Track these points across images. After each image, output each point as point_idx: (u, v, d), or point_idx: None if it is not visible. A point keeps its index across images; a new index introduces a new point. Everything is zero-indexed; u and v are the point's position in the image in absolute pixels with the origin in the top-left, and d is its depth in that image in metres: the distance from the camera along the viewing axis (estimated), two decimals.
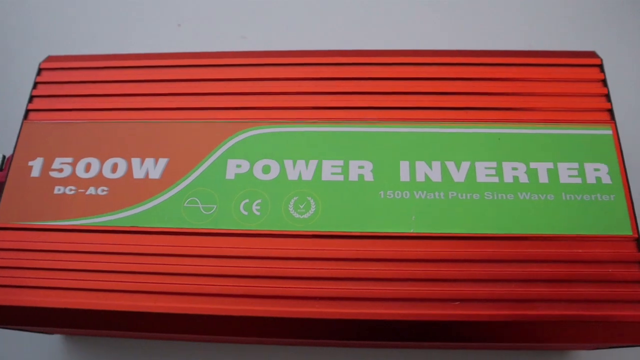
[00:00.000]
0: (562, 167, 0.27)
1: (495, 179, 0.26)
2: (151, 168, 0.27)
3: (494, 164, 0.27)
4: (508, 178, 0.26)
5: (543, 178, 0.26)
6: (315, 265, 0.25)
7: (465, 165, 0.27)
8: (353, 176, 0.27)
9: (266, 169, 0.27)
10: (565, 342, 0.25)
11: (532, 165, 0.27)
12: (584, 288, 0.24)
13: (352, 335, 0.25)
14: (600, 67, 0.29)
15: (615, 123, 0.27)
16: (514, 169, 0.27)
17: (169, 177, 0.27)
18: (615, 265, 0.25)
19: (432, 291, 0.24)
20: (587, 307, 0.24)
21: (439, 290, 0.24)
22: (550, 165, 0.27)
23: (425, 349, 0.30)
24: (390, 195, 0.26)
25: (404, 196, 0.26)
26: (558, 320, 0.24)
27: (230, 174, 0.27)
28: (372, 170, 0.27)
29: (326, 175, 0.27)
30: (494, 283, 0.25)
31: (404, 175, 0.26)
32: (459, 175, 0.26)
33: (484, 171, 0.26)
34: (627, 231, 0.25)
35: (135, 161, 0.28)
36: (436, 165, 0.27)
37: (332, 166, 0.27)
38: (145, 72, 0.29)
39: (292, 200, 0.26)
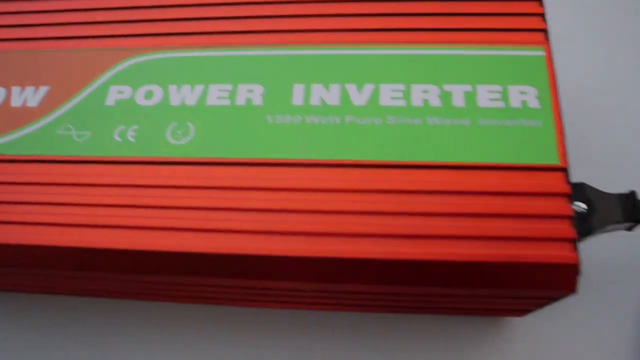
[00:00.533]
0: (482, 89, 0.23)
1: (402, 102, 0.23)
2: (30, 96, 0.25)
3: (401, 87, 0.23)
4: (417, 101, 0.23)
5: (458, 102, 0.23)
6: (190, 194, 0.22)
7: (369, 87, 0.23)
8: (240, 100, 0.23)
9: (148, 95, 0.24)
10: (481, 287, 0.20)
11: (446, 87, 0.23)
12: (501, 223, 0.20)
13: (232, 271, 0.21)
14: None
15: (549, 44, 0.23)
16: (425, 91, 0.23)
17: (47, 105, 0.25)
18: (538, 197, 0.21)
19: (321, 224, 0.21)
20: (505, 245, 0.20)
21: (329, 222, 0.21)
22: (468, 87, 0.23)
23: (329, 311, 0.26)
24: (279, 120, 0.23)
25: (295, 121, 0.23)
26: (471, 260, 0.20)
27: (110, 101, 0.24)
28: (262, 94, 0.23)
29: (211, 100, 0.24)
30: (394, 216, 0.21)
31: (297, 99, 0.23)
32: (359, 98, 0.23)
33: (389, 94, 0.23)
34: (554, 160, 0.21)
35: (15, 89, 0.25)
36: (335, 87, 0.23)
37: (219, 90, 0.24)
38: (28, 3, 0.27)
39: (170, 126, 0.23)
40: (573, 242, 0.20)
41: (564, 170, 0.21)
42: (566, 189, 0.21)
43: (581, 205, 0.23)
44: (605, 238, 0.23)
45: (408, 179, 0.21)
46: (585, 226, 0.22)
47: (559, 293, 0.20)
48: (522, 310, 0.25)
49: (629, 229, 0.23)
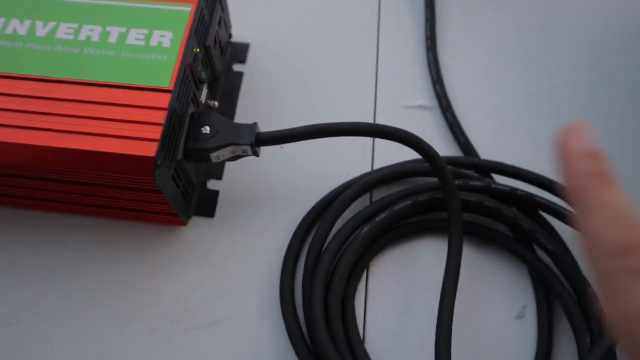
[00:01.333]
0: (134, 32, 0.30)
1: (70, 37, 0.29)
2: None
3: (74, 25, 0.30)
4: (82, 36, 0.29)
5: (112, 38, 0.29)
6: None
7: (51, 24, 0.30)
8: None
9: None
10: (96, 170, 0.27)
11: (108, 28, 0.30)
12: (115, 125, 0.27)
13: None
14: None
15: (197, 3, 0.30)
16: (91, 30, 0.30)
17: None
18: (145, 109, 0.27)
19: None
20: (112, 140, 0.26)
21: None
22: (123, 29, 0.30)
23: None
24: None
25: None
26: (87, 149, 0.26)
27: None
28: None
29: None
30: (45, 115, 0.27)
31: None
32: (42, 32, 0.30)
33: (63, 30, 0.30)
34: (165, 85, 0.28)
35: None
36: (27, 22, 0.30)
37: None
38: None
39: None
40: (157, 142, 0.26)
41: (170, 92, 0.28)
42: (165, 104, 0.27)
43: (206, 127, 0.30)
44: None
45: (64, 90, 0.28)
46: (209, 141, 0.29)
47: (144, 175, 0.26)
48: (169, 215, 0.31)
49: (255, 154, 0.30)
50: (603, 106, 0.37)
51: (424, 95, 0.37)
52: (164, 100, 0.28)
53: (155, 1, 0.30)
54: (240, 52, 0.38)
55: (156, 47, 0.29)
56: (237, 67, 0.38)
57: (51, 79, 0.28)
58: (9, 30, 0.30)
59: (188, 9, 0.30)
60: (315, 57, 0.39)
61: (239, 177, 0.34)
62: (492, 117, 0.37)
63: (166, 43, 0.29)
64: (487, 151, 0.35)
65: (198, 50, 0.31)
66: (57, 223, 0.33)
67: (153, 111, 0.27)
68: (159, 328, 0.30)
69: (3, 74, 0.28)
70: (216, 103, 0.34)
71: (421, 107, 0.37)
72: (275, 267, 0.32)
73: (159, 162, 0.26)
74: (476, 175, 0.33)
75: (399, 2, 0.41)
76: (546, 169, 0.32)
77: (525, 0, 0.41)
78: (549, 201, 0.32)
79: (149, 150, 0.26)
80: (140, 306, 0.31)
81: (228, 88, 0.37)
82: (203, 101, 0.33)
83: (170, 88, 0.28)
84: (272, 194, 0.34)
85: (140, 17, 0.30)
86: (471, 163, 0.34)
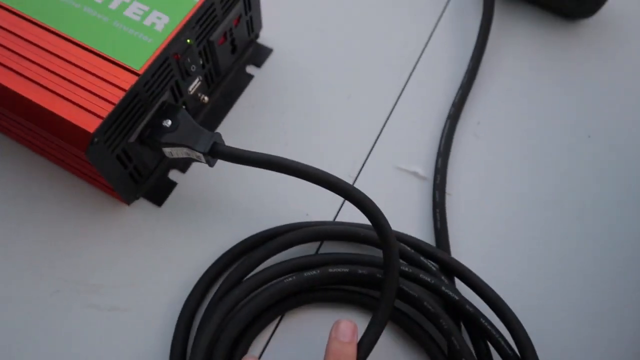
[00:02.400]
0: (135, 4, 0.29)
1: None
2: None
3: None
4: None
5: (113, 5, 0.29)
6: None
7: None
8: None
9: None
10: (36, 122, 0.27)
11: None
12: (71, 88, 0.27)
13: None
14: None
15: None
16: None
17: None
18: (107, 83, 0.27)
19: None
20: (62, 101, 0.26)
21: None
22: (127, 0, 0.29)
23: None
24: None
25: None
26: (35, 100, 0.26)
27: None
28: None
29: None
30: (24, 60, 0.28)
31: None
32: None
33: None
34: (137, 67, 0.27)
35: None
36: None
37: None
38: None
39: None
40: (101, 119, 0.26)
41: (137, 75, 0.27)
42: (127, 86, 0.27)
43: (168, 121, 0.29)
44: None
45: (43, 37, 0.28)
46: (165, 135, 0.28)
47: (79, 147, 0.26)
48: (110, 189, 0.31)
49: (209, 163, 0.29)
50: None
51: (423, 164, 0.34)
52: (128, 81, 0.27)
53: None
54: (260, 55, 0.37)
55: (147, 27, 0.28)
56: (250, 69, 0.37)
57: (38, 22, 0.28)
58: None
59: None
60: (331, 83, 0.36)
61: (203, 177, 0.33)
62: (488, 219, 0.33)
63: (159, 26, 0.28)
64: (465, 256, 0.31)
65: (191, 42, 0.29)
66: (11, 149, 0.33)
67: (113, 88, 0.27)
68: (62, 291, 0.30)
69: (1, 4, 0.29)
70: (206, 98, 0.33)
71: (415, 174, 0.34)
72: (194, 278, 0.30)
73: (96, 140, 0.26)
74: (434, 269, 0.30)
75: (442, 58, 0.38)
76: (523, 301, 0.29)
77: (573, 103, 0.37)
78: (497, 332, 0.28)
79: (90, 124, 0.26)
80: (54, 263, 0.31)
81: (232, 87, 0.36)
82: (191, 93, 0.32)
83: (140, 72, 0.27)
84: (225, 206, 0.33)
85: None
86: (433, 254, 0.30)
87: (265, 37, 0.38)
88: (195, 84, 0.32)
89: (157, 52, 0.28)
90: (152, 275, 0.31)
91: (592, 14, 0.39)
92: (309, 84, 0.36)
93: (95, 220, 0.32)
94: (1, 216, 0.32)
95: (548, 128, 0.36)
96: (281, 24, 0.38)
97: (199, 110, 0.34)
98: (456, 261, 0.30)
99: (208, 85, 0.34)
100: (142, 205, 0.32)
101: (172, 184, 0.33)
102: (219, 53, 0.33)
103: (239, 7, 0.33)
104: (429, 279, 0.29)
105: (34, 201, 0.32)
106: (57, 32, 0.28)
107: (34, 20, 0.28)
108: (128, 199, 0.32)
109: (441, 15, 0.40)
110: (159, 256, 0.31)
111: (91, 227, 0.32)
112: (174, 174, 0.33)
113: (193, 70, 0.31)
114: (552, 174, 0.34)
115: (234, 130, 0.34)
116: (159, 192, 0.33)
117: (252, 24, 0.36)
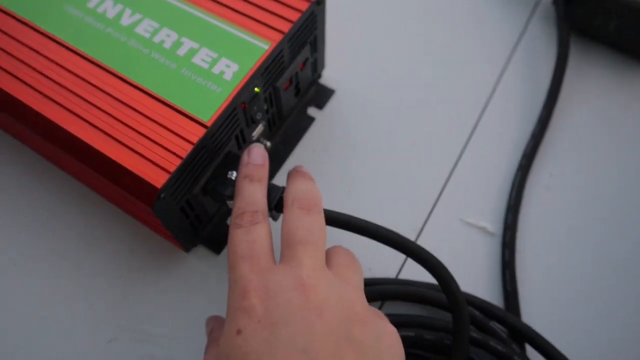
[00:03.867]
0: (204, 51, 0.28)
1: (147, 35, 0.29)
2: None
3: (156, 25, 0.29)
4: (157, 38, 0.29)
5: (181, 51, 0.28)
6: None
7: (137, 15, 0.30)
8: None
9: None
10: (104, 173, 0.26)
11: (183, 39, 0.29)
12: (140, 139, 0.26)
13: None
14: (313, 2, 0.30)
15: (278, 43, 0.28)
16: (167, 35, 0.29)
17: None
18: (175, 135, 0.26)
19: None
20: (130, 153, 0.26)
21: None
22: (196, 45, 0.29)
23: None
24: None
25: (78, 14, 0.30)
26: (104, 152, 0.26)
27: None
28: None
29: None
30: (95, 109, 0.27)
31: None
32: (127, 20, 0.29)
33: (144, 26, 0.29)
34: (206, 118, 0.26)
35: None
36: (119, 7, 0.30)
37: None
38: None
39: None
40: (169, 174, 0.25)
41: (206, 127, 0.26)
42: (195, 139, 0.26)
43: (233, 173, 0.28)
44: None
45: (113, 84, 0.27)
46: (229, 188, 0.27)
47: (144, 202, 0.25)
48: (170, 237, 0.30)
49: (272, 217, 0.28)
50: None
51: (492, 218, 0.32)
52: (197, 133, 0.26)
53: (242, 27, 0.29)
54: (322, 96, 0.36)
55: (216, 76, 0.28)
56: (312, 111, 0.36)
57: (109, 69, 0.28)
58: (100, 9, 0.30)
59: (265, 47, 0.28)
60: (395, 127, 0.35)
61: None
62: (561, 280, 0.31)
63: (228, 75, 0.28)
64: (537, 320, 0.29)
65: (258, 90, 0.29)
66: (79, 190, 0.33)
67: (181, 141, 0.26)
68: (119, 339, 0.30)
69: (73, 49, 0.29)
70: (269, 143, 0.32)
71: (482, 229, 0.32)
72: None
73: (162, 195, 0.25)
74: (504, 335, 0.28)
75: (512, 103, 0.36)
76: None
77: None
78: None
79: (158, 179, 0.25)
80: (110, 309, 0.30)
81: (293, 130, 0.35)
82: (254, 138, 0.31)
83: (208, 124, 0.26)
84: None
85: (218, 37, 0.29)
86: (505, 320, 0.29)
87: (327, 76, 0.37)
88: (258, 130, 0.31)
89: (226, 103, 0.27)
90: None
91: None
92: (371, 128, 0.35)
93: (153, 266, 0.31)
94: (61, 256, 0.31)
95: (625, 183, 0.34)
96: (344, 64, 0.37)
97: None
98: (527, 326, 0.29)
99: (270, 129, 0.33)
100: (201, 253, 0.32)
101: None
102: (283, 98, 0.32)
103: (305, 51, 0.32)
104: (499, 347, 0.27)
105: (93, 243, 0.32)
106: (126, 79, 0.28)
107: (104, 65, 0.28)
108: (187, 247, 0.31)
109: (511, 56, 0.38)
110: (216, 307, 0.30)
111: (149, 274, 0.31)
112: None
113: (259, 117, 0.30)
114: (629, 232, 0.32)
115: None
116: (218, 240, 0.32)
117: (317, 65, 0.35)
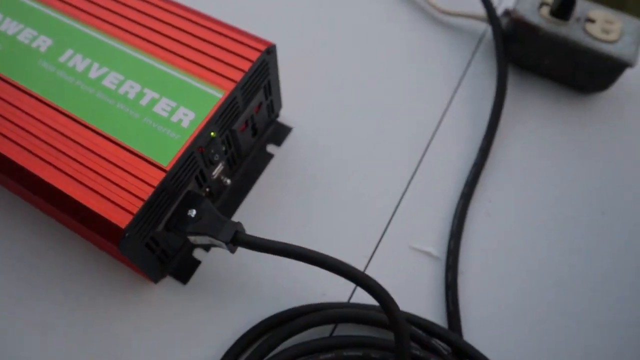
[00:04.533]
0: (164, 101, 0.31)
1: (113, 87, 0.32)
2: None
3: (121, 77, 0.32)
4: (122, 90, 0.32)
5: (144, 101, 0.31)
6: None
7: (103, 69, 0.33)
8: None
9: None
10: (70, 214, 0.29)
11: (146, 90, 0.32)
12: (102, 182, 0.29)
13: None
14: (263, 52, 0.33)
15: (230, 92, 0.31)
16: (132, 87, 0.32)
17: None
18: (136, 179, 0.29)
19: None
20: (94, 195, 0.28)
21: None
22: (157, 95, 0.31)
23: None
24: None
25: (50, 68, 0.33)
26: (69, 193, 0.29)
27: None
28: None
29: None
30: (58, 153, 0.30)
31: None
32: (95, 73, 0.32)
33: (111, 79, 0.32)
34: (165, 163, 0.29)
35: None
36: (87, 61, 0.33)
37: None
38: None
39: None
40: (132, 215, 0.28)
41: (165, 172, 0.29)
42: (155, 182, 0.29)
43: (193, 211, 0.31)
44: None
45: (81, 133, 0.30)
46: (190, 225, 0.30)
47: (111, 241, 0.28)
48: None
49: (231, 251, 0.31)
50: None
51: (437, 243, 0.35)
52: (157, 177, 0.29)
53: (198, 77, 0.32)
54: (280, 134, 0.39)
55: (175, 124, 0.30)
56: (270, 148, 0.39)
57: (78, 119, 0.31)
58: (70, 64, 0.33)
59: (219, 96, 0.31)
60: (348, 161, 0.38)
61: (225, 257, 0.35)
62: (501, 299, 0.34)
63: (185, 123, 0.30)
64: (478, 338, 0.32)
65: (214, 135, 0.31)
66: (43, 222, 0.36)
67: (143, 184, 0.29)
68: None
69: (46, 101, 0.31)
70: (229, 181, 0.35)
71: (428, 254, 0.35)
72: (216, 356, 0.32)
73: (127, 234, 0.28)
74: (446, 352, 0.31)
75: (456, 134, 0.39)
76: None
77: (586, 179, 0.38)
78: None
79: (122, 220, 0.28)
80: (79, 339, 0.32)
81: (253, 167, 0.38)
82: (215, 177, 0.34)
83: (167, 169, 0.29)
84: (246, 285, 0.34)
85: (177, 88, 0.32)
86: (446, 337, 0.31)
87: (285, 115, 0.40)
88: (218, 169, 0.34)
89: (183, 149, 0.30)
90: (176, 352, 0.32)
91: (605, 88, 0.40)
92: (326, 162, 0.38)
93: (122, 297, 0.34)
94: (29, 287, 0.34)
95: (561, 205, 0.37)
96: (301, 103, 0.40)
97: (222, 190, 0.36)
98: (468, 344, 0.31)
99: (230, 167, 0.36)
100: (169, 284, 0.34)
101: (197, 263, 0.35)
102: (240, 139, 0.35)
103: (260, 95, 0.35)
104: None
105: (62, 274, 0.34)
106: (94, 128, 0.30)
107: (73, 116, 0.31)
108: (155, 278, 0.34)
109: (456, 90, 0.41)
110: (183, 334, 0.33)
111: (117, 304, 0.33)
112: (198, 253, 0.35)
113: (216, 159, 0.33)
114: (566, 252, 0.35)
115: (254, 210, 0.36)
116: (184, 271, 0.35)
117: (273, 106, 0.38)
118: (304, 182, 0.37)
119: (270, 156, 0.38)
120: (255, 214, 0.36)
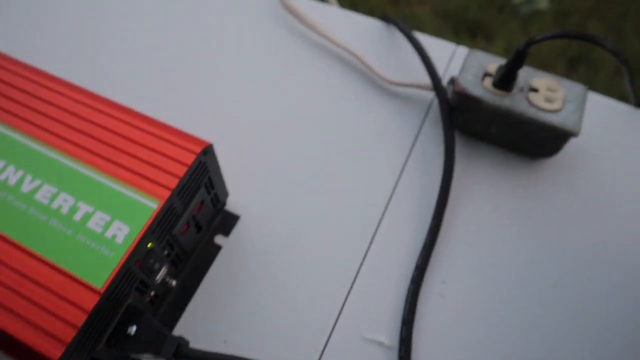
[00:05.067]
0: (98, 215, 0.31)
1: (46, 202, 0.31)
2: None
3: (55, 190, 0.31)
4: (55, 204, 0.31)
5: (77, 216, 0.31)
6: None
7: (36, 182, 0.32)
8: None
9: None
10: None
11: (79, 203, 0.31)
12: (30, 307, 0.28)
13: None
14: (199, 154, 0.32)
15: (166, 200, 0.31)
16: (65, 200, 0.31)
17: None
18: (69, 304, 0.28)
19: None
20: (22, 323, 0.27)
21: None
22: (90, 209, 0.31)
23: None
24: None
25: None
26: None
27: None
28: None
29: None
30: None
31: None
32: (27, 187, 0.32)
33: (43, 192, 0.31)
34: (99, 284, 0.29)
35: None
36: (20, 173, 0.32)
37: None
38: None
39: None
40: (65, 345, 0.27)
41: (99, 294, 0.28)
42: (89, 307, 0.28)
43: (133, 327, 0.30)
44: None
45: (13, 255, 0.29)
46: (129, 344, 0.29)
47: None
48: None
49: None
50: None
51: (390, 332, 0.35)
52: (91, 301, 0.28)
53: (132, 186, 0.31)
54: (228, 223, 0.38)
55: (109, 240, 0.30)
56: (218, 239, 0.38)
57: (8, 238, 0.30)
58: (2, 177, 0.32)
59: (154, 206, 0.31)
60: (298, 249, 0.38)
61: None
62: None
63: (119, 238, 0.30)
64: None
65: (151, 245, 0.31)
66: None
67: (76, 310, 0.28)
68: None
69: None
70: (174, 282, 0.34)
71: (380, 344, 0.34)
72: None
73: None
74: None
75: (406, 212, 0.39)
76: None
77: (537, 249, 0.37)
78: None
79: (54, 351, 0.27)
80: None
81: (200, 262, 0.37)
82: (159, 282, 0.33)
83: (102, 291, 0.28)
84: None
85: (111, 199, 0.31)
86: None
87: (233, 202, 0.39)
88: (161, 273, 0.33)
89: (118, 267, 0.29)
90: None
91: (553, 154, 0.40)
92: (276, 252, 0.37)
93: None
94: None
95: (514, 278, 0.37)
96: (247, 188, 0.39)
97: (168, 292, 0.35)
98: None
99: (176, 266, 0.35)
100: None
101: None
102: (183, 240, 0.34)
103: (201, 193, 0.34)
104: None
105: None
106: (25, 248, 0.29)
107: (1, 235, 0.30)
108: None
109: (405, 164, 0.41)
110: None
111: None
112: None
113: (156, 267, 0.32)
114: (519, 326, 0.35)
115: (202, 310, 0.35)
116: None
117: (218, 197, 0.37)
118: (253, 274, 0.37)
119: (218, 248, 0.38)
120: (203, 314, 0.35)
